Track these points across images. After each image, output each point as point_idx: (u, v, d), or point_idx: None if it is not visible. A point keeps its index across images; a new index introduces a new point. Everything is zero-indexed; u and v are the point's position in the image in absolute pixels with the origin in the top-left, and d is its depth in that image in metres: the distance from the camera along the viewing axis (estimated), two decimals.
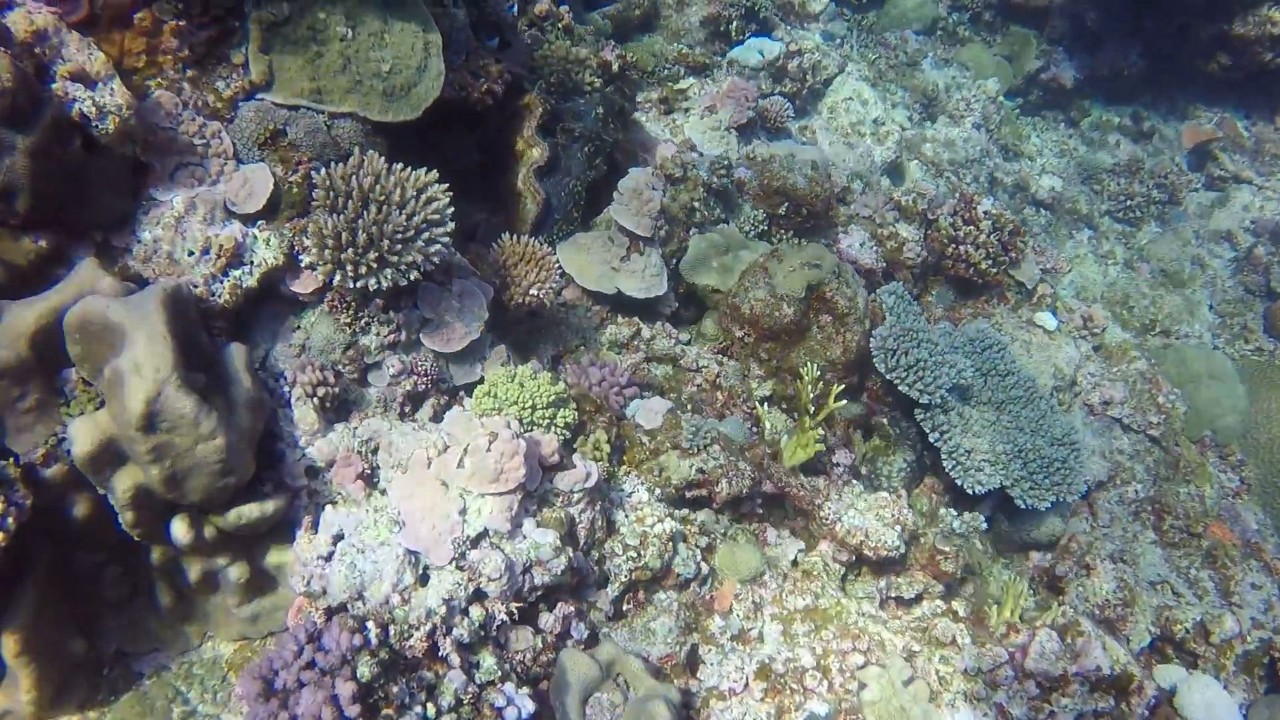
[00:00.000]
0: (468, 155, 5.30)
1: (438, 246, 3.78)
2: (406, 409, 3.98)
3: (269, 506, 3.54)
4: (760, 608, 3.79)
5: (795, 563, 4.46)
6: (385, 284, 3.67)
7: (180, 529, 3.41)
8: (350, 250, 3.62)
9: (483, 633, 3.35)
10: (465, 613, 3.32)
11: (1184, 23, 9.00)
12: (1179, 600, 5.76)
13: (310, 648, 3.05)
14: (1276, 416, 7.40)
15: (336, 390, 3.74)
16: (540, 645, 3.50)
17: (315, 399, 3.68)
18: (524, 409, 3.87)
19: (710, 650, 3.73)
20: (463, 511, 3.44)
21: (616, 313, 5.06)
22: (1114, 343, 6.70)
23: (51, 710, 3.39)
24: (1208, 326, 8.03)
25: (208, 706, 3.58)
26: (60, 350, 3.25)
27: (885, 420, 5.15)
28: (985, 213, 5.78)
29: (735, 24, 7.06)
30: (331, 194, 3.69)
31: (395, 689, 3.08)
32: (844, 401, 4.45)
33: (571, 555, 3.55)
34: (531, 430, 3.90)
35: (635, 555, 3.85)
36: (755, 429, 4.80)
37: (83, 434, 3.16)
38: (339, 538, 3.57)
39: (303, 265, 3.75)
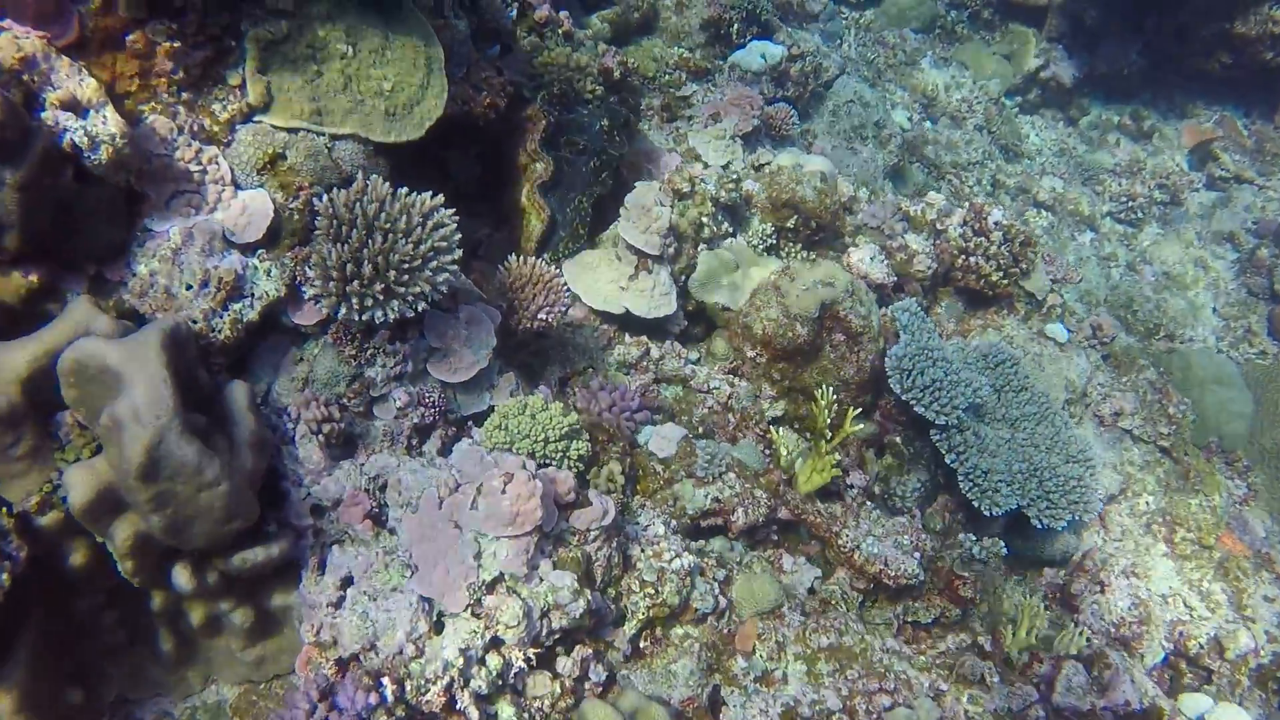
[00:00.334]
0: (469, 169, 5.15)
1: (446, 275, 3.64)
2: (414, 441, 3.84)
3: (274, 549, 3.41)
4: (783, 647, 3.68)
5: (812, 590, 4.36)
6: (392, 316, 3.53)
7: (183, 576, 3.28)
8: (356, 282, 3.47)
9: (500, 682, 3.23)
10: (482, 662, 3.20)
11: (1184, 21, 8.91)
12: (1191, 614, 5.69)
13: (324, 706, 2.92)
14: None
15: (342, 426, 3.60)
16: (559, 691, 3.38)
17: (320, 436, 3.54)
18: (536, 442, 3.74)
19: (733, 692, 3.62)
20: (477, 555, 3.31)
21: (624, 331, 4.93)
22: (1121, 348, 6.62)
23: None
24: (1211, 330, 7.96)
25: None
26: (54, 393, 3.09)
27: (899, 439, 5.04)
28: (996, 223, 5.67)
29: (736, 27, 6.91)
30: (334, 222, 3.54)
31: None
32: (860, 425, 4.34)
33: (590, 597, 3.43)
34: (545, 464, 3.77)
35: (653, 592, 3.74)
36: (768, 451, 4.69)
37: (80, 483, 3.02)
38: (348, 581, 3.45)
39: (306, 297, 3.60)
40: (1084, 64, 9.32)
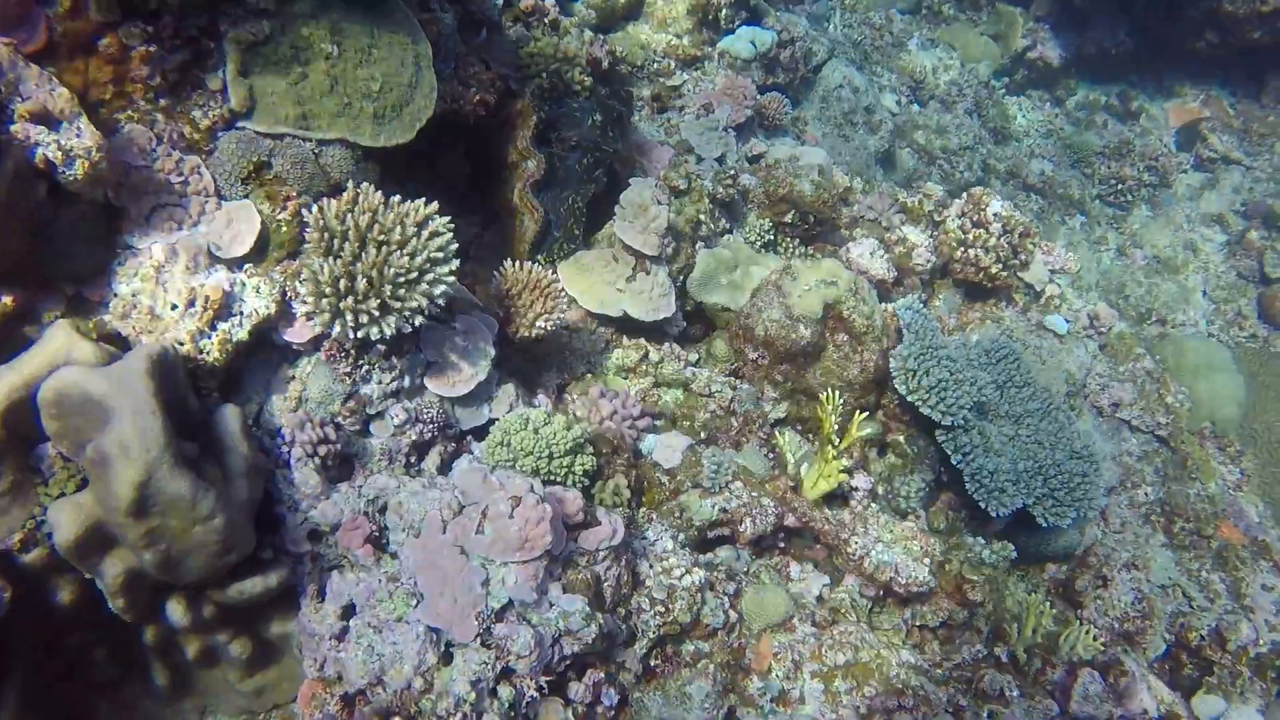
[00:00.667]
0: (456, 167, 4.98)
1: (443, 287, 3.49)
2: (412, 459, 3.70)
3: (272, 579, 3.27)
4: (800, 665, 3.59)
5: (821, 598, 4.27)
6: (389, 332, 3.38)
7: (177, 611, 3.14)
8: (350, 298, 3.31)
9: (513, 713, 3.12)
10: (494, 694, 3.08)
11: (1173, 0, 8.82)
12: (1191, 605, 5.67)
13: None
14: (1273, 405, 7.35)
15: (338, 447, 3.45)
16: (571, 718, 3.27)
17: (316, 459, 3.39)
18: (540, 459, 3.61)
19: (750, 713, 3.53)
20: (485, 582, 3.18)
21: (622, 334, 4.79)
22: (1115, 335, 6.56)
23: None
24: (1202, 313, 7.93)
25: None
26: (35, 425, 2.93)
27: (901, 439, 4.95)
28: (995, 214, 5.57)
29: (725, 11, 6.74)
30: (325, 235, 3.37)
31: None
32: (869, 430, 4.24)
33: (602, 621, 3.31)
34: (550, 481, 3.65)
35: (663, 610, 3.63)
36: (772, 455, 4.58)
37: (65, 520, 2.86)
38: (349, 609, 3.32)
39: (298, 315, 3.44)
40: (1071, 44, 9.23)
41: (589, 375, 4.58)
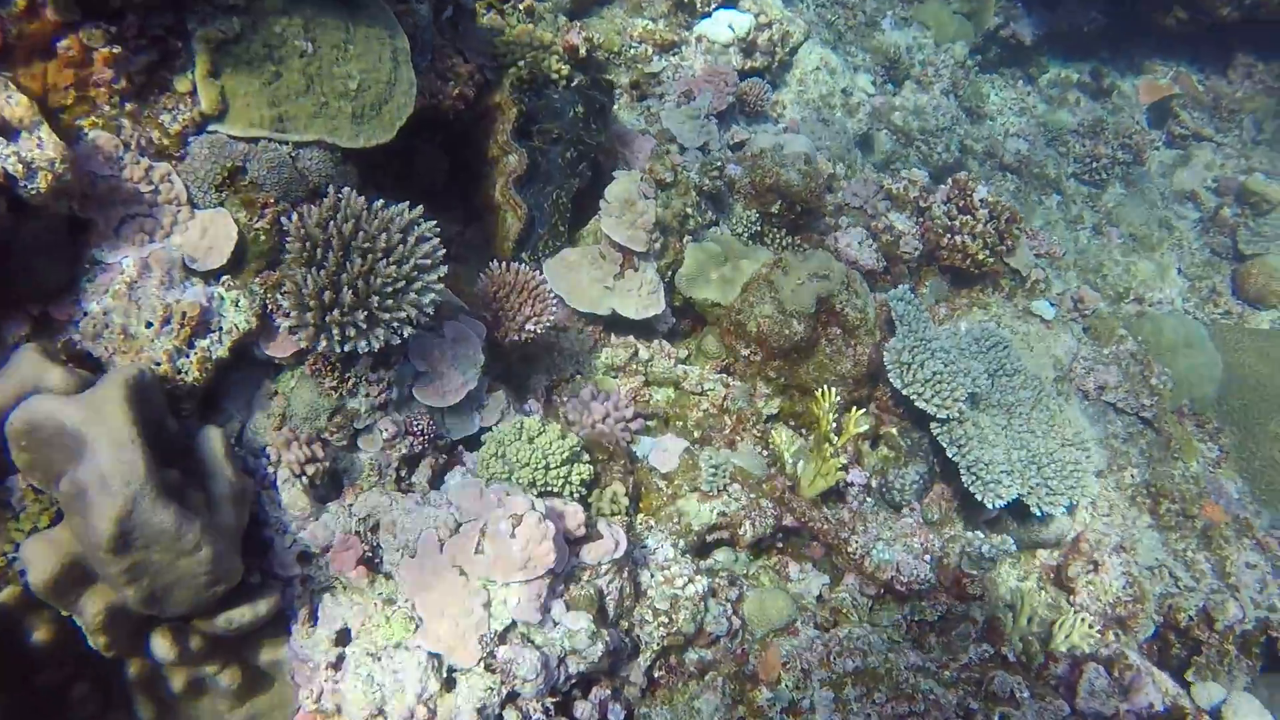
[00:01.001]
0: (435, 163, 4.81)
1: (432, 295, 3.35)
2: (402, 473, 3.56)
3: (262, 607, 3.12)
4: (809, 674, 3.51)
5: (821, 598, 4.21)
6: (377, 345, 3.23)
7: (162, 645, 2.99)
8: (336, 311, 3.16)
9: None
10: (499, 719, 2.97)
11: None
12: (1179, 585, 5.67)
13: None
14: (1249, 381, 7.38)
15: (326, 465, 3.30)
16: None
17: (304, 479, 3.24)
18: (536, 470, 3.49)
19: None
20: (487, 604, 3.07)
21: (610, 332, 4.67)
22: (1098, 317, 6.54)
23: None
24: (1178, 291, 7.95)
25: None
26: (2, 456, 2.76)
27: (894, 431, 4.88)
28: (982, 200, 5.50)
29: None
30: (307, 244, 3.21)
31: None
32: (865, 427, 4.17)
33: (607, 639, 3.21)
34: (546, 492, 3.53)
35: (667, 620, 3.54)
36: (766, 451, 4.50)
37: (40, 558, 2.70)
38: (344, 635, 3.19)
39: (281, 328, 3.28)
40: (1044, 21, 9.17)
41: (578, 376, 4.46)
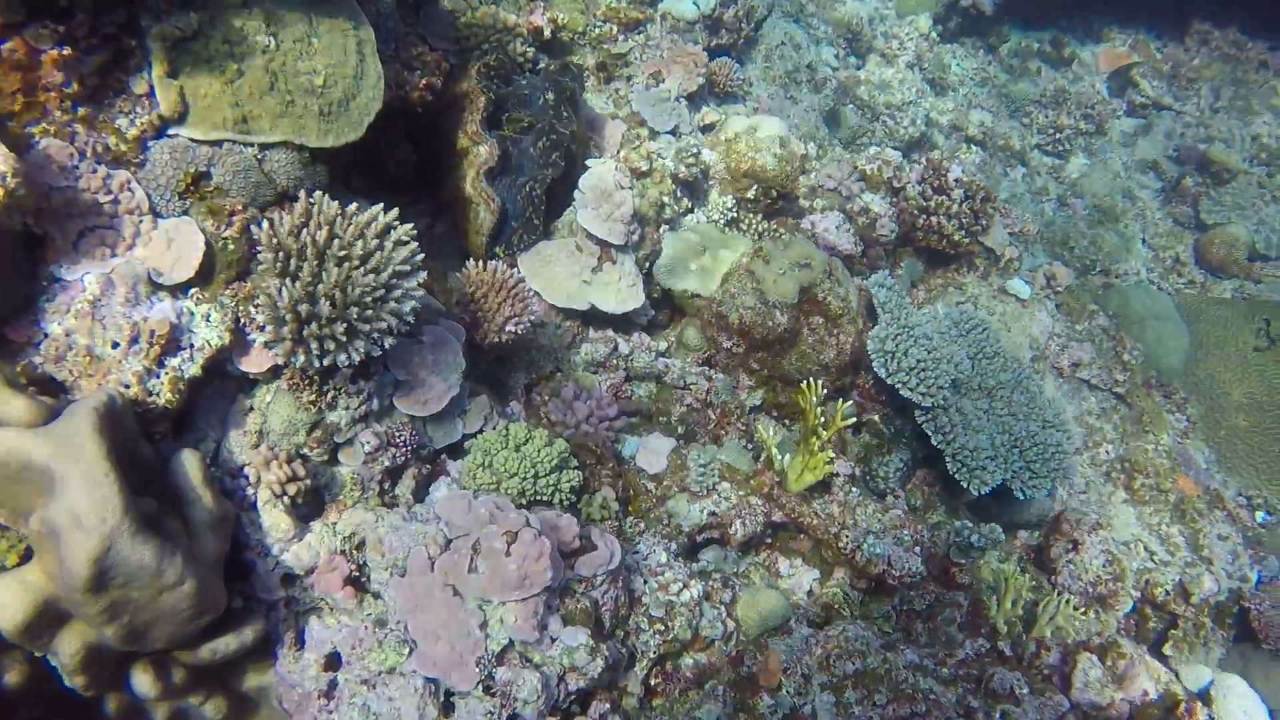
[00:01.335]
0: (402, 155, 4.64)
1: (413, 303, 3.21)
2: (385, 485, 3.44)
3: (248, 634, 3.00)
4: (809, 679, 3.47)
5: (812, 593, 4.17)
6: (357, 358, 3.09)
7: (144, 681, 2.86)
8: (314, 323, 3.02)
9: None
10: None
11: None
12: (1154, 559, 5.74)
13: None
14: (1214, 351, 7.47)
15: (309, 483, 3.17)
16: None
17: (286, 499, 3.11)
18: (525, 480, 3.39)
19: None
20: (483, 625, 2.97)
21: (588, 326, 4.56)
22: (1069, 292, 6.56)
23: None
24: (1143, 262, 8.00)
25: None
26: None
27: (877, 418, 4.85)
28: (956, 180, 5.45)
29: None
30: (280, 254, 3.06)
31: None
32: (852, 419, 4.11)
33: (606, 653, 3.14)
34: (536, 501, 3.43)
35: (663, 628, 3.47)
36: (750, 445, 4.44)
37: (11, 600, 2.55)
38: (334, 659, 3.08)
39: (256, 344, 3.12)
40: None
41: (558, 373, 4.35)
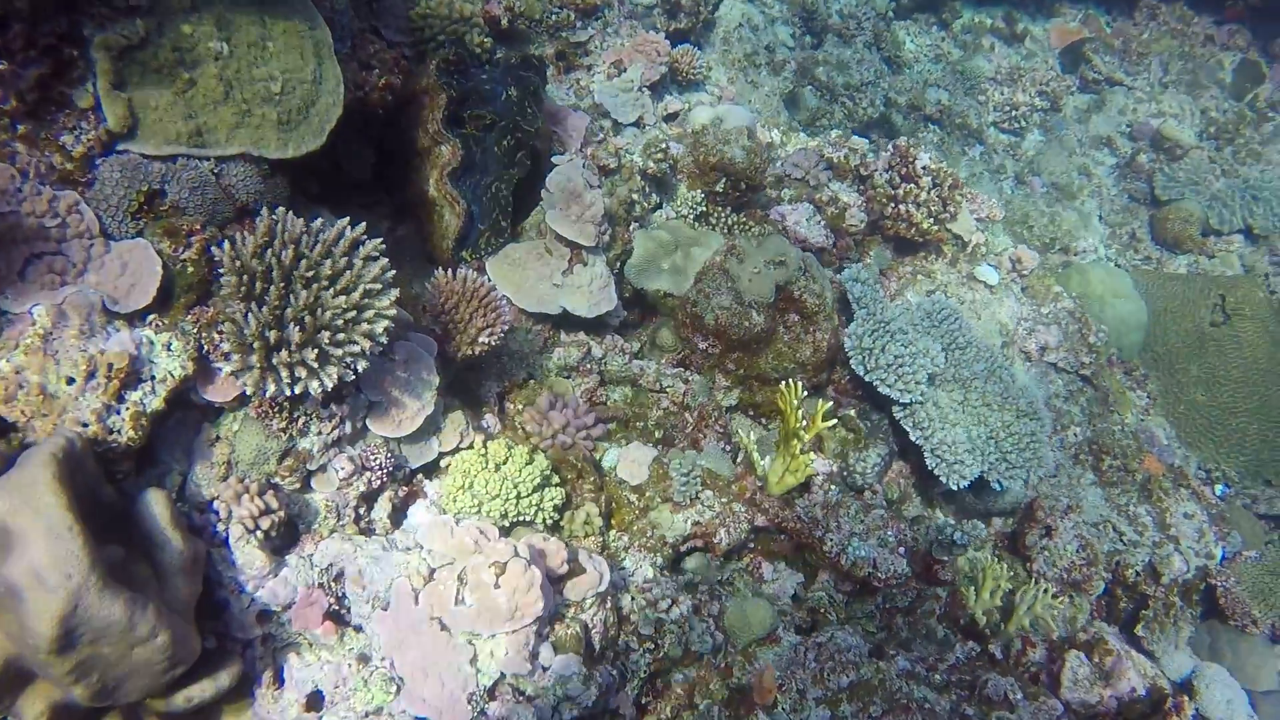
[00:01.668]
0: (361, 156, 4.45)
1: (386, 323, 3.07)
2: (361, 511, 3.30)
3: (224, 679, 2.86)
4: (804, 694, 3.42)
5: (797, 598, 4.12)
6: (330, 384, 2.95)
7: None
8: (284, 351, 2.86)
9: None
10: None
11: None
12: (1123, 540, 5.78)
13: None
14: (1172, 327, 7.55)
15: (282, 515, 3.02)
16: None
17: (259, 533, 2.96)
18: (508, 501, 3.28)
19: None
20: (473, 659, 2.86)
21: (560, 330, 4.43)
22: (1034, 275, 6.56)
23: None
24: (1100, 239, 8.05)
25: None
26: None
27: (853, 413, 4.80)
28: (924, 168, 5.39)
29: None
30: (243, 277, 2.89)
31: None
32: (834, 421, 4.05)
33: (599, 679, 3.05)
34: (519, 522, 3.33)
35: (653, 646, 3.40)
36: (728, 447, 4.36)
37: None
38: (316, 698, 2.96)
39: (223, 374, 2.96)
40: None
41: (531, 381, 4.23)
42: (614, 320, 4.52)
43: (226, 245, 2.89)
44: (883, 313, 4.58)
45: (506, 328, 3.80)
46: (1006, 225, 7.74)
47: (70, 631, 2.34)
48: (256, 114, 3.23)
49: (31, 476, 2.38)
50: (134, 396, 2.81)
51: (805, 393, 4.15)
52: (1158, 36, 9.54)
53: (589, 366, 4.37)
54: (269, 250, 2.94)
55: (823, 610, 4.03)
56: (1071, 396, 6.19)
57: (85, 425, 2.70)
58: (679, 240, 4.61)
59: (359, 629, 3.05)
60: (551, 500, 3.43)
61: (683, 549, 3.87)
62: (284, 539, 3.14)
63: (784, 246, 4.44)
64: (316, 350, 2.92)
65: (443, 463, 3.57)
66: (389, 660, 2.90)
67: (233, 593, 2.98)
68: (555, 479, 3.52)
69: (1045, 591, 4.79)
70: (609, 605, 3.31)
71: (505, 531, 3.33)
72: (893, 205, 5.43)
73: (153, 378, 2.86)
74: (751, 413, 4.62)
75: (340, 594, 3.09)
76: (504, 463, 3.36)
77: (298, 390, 2.90)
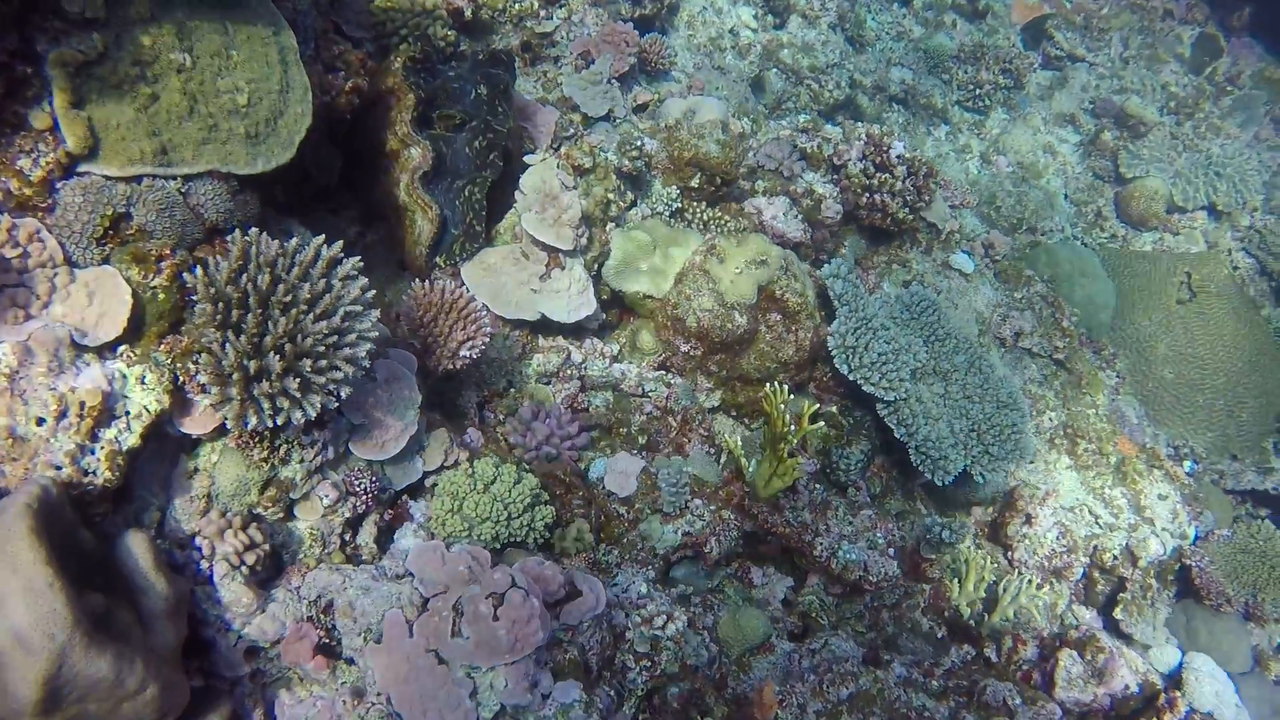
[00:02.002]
0: (328, 160, 4.31)
1: (368, 346, 2.96)
2: (346, 537, 3.21)
3: None
4: (805, 708, 3.39)
5: (787, 602, 4.10)
6: (313, 413, 2.84)
7: None
8: (265, 381, 2.75)
9: None
10: None
11: None
12: (1098, 523, 5.83)
13: None
14: (1138, 305, 7.62)
15: (268, 549, 2.92)
16: None
17: (245, 569, 2.86)
18: (499, 524, 3.20)
19: None
20: (473, 693, 2.79)
21: (538, 335, 4.34)
22: (1006, 260, 6.57)
23: None
24: (1066, 218, 8.08)
25: None
26: None
27: (835, 409, 4.77)
28: (899, 157, 5.34)
29: None
30: (219, 304, 2.77)
31: None
32: (820, 424, 4.01)
33: (600, 705, 2.99)
34: (511, 543, 3.25)
35: (649, 664, 3.34)
36: (712, 450, 4.31)
37: None
38: None
39: (200, 405, 2.84)
40: None
41: (511, 389, 4.14)
42: (593, 323, 4.44)
43: (200, 271, 2.77)
44: (864, 309, 4.54)
45: (488, 340, 3.71)
46: (973, 207, 7.75)
47: (55, 692, 2.23)
48: (223, 128, 3.09)
49: (6, 531, 2.26)
50: (108, 434, 2.68)
51: (791, 395, 4.10)
52: (1117, 11, 9.58)
53: (569, 372, 4.29)
54: (244, 275, 2.82)
55: (814, 614, 4.01)
56: (1045, 381, 6.22)
57: (59, 468, 2.57)
58: (657, 240, 4.53)
59: (351, 662, 2.96)
60: (543, 519, 3.36)
61: (673, 558, 3.82)
62: (269, 570, 3.04)
63: (765, 245, 4.38)
64: (299, 379, 2.81)
65: (427, 482, 3.47)
66: (385, 695, 2.82)
67: (219, 630, 2.88)
68: (545, 497, 3.45)
69: (1029, 583, 4.83)
70: (605, 624, 3.25)
71: (497, 554, 3.26)
72: (868, 195, 5.38)
73: (127, 413, 2.73)
74: (734, 413, 4.57)
75: (330, 625, 3.00)
76: (493, 482, 3.28)
77: (280, 421, 2.79)
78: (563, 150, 4.49)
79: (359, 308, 2.97)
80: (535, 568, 3.04)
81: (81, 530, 2.59)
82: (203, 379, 2.72)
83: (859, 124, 7.81)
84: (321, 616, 3.00)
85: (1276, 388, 7.54)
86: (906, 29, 9.20)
